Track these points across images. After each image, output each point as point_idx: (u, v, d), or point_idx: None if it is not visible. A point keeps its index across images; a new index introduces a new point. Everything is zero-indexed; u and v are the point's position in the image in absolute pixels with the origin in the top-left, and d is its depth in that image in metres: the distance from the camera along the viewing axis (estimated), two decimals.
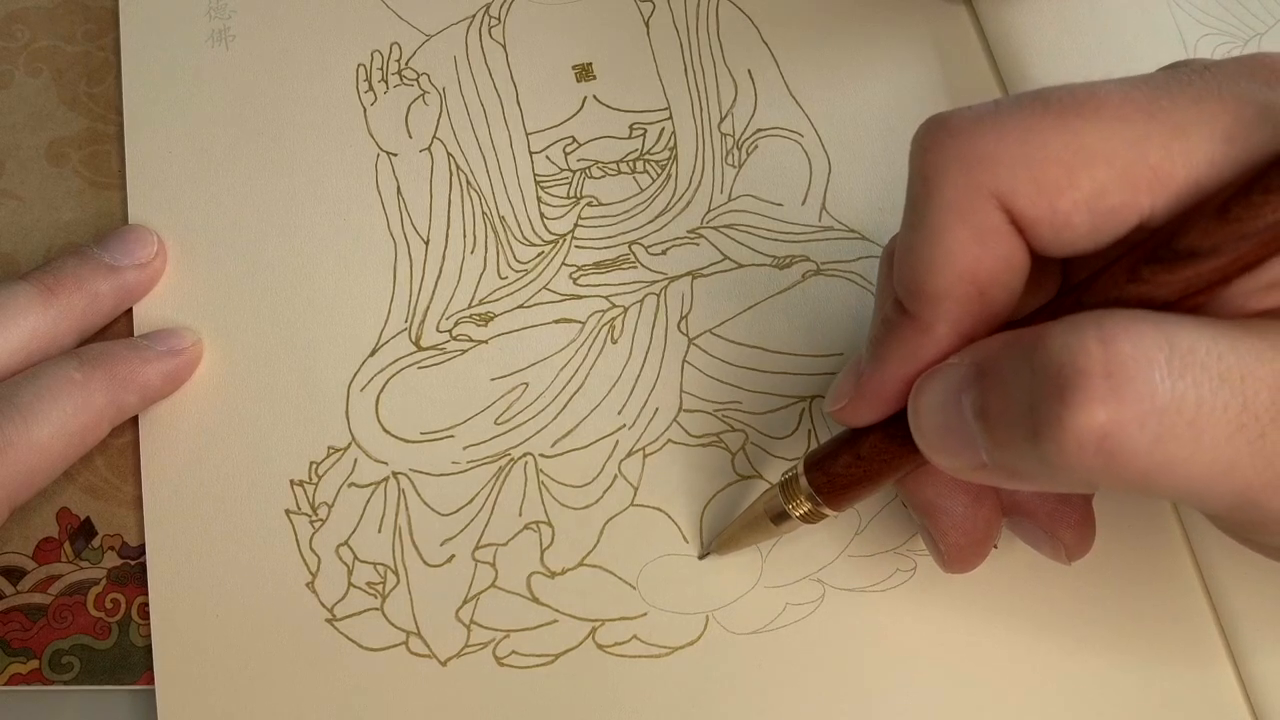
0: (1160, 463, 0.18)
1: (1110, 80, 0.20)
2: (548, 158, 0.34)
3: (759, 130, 0.34)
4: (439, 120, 0.34)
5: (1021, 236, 0.20)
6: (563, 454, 0.30)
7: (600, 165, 0.34)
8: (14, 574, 0.29)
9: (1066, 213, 0.20)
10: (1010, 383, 0.19)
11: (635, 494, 0.30)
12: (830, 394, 0.24)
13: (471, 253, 0.32)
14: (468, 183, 0.33)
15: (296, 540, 0.29)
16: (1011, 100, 0.20)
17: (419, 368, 0.31)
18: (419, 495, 0.29)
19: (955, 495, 0.25)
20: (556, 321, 0.32)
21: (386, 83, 0.34)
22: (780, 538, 0.28)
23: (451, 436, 0.30)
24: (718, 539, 0.29)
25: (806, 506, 0.25)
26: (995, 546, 0.27)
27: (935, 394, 0.21)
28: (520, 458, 0.30)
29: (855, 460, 0.24)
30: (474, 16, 0.36)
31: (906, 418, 0.22)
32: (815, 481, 0.25)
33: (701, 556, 0.29)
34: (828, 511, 0.25)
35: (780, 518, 0.26)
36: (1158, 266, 0.19)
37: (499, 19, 0.36)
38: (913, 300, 0.21)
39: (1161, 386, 0.18)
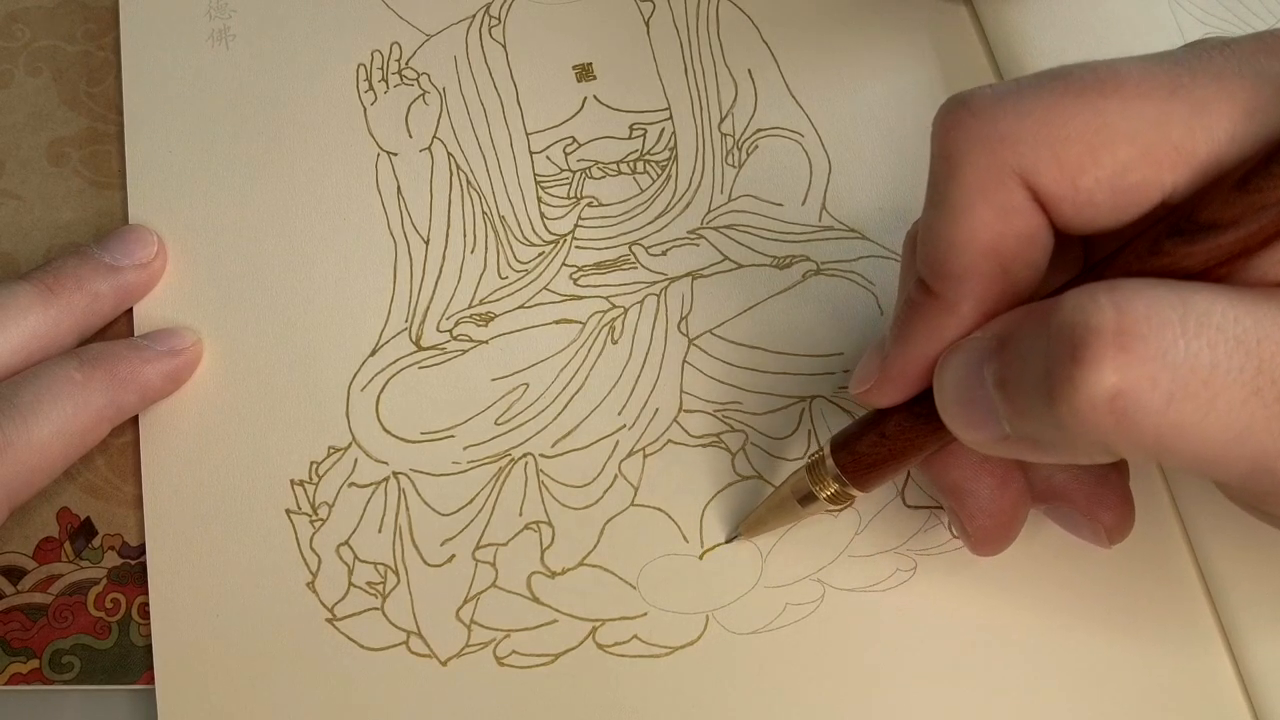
0: (1174, 424, 0.18)
1: (1130, 58, 0.20)
2: (548, 158, 0.34)
3: (759, 130, 0.34)
4: (439, 120, 0.34)
5: (1044, 214, 0.21)
6: (563, 454, 0.30)
7: (600, 165, 0.34)
8: (14, 574, 0.29)
9: (1089, 190, 0.20)
10: (1028, 350, 0.19)
11: (635, 494, 0.30)
12: (854, 376, 0.25)
13: (472, 253, 0.32)
14: (468, 182, 0.33)
15: (297, 540, 0.29)
16: (1032, 79, 0.21)
17: (419, 368, 0.31)
18: (419, 495, 0.30)
19: (981, 477, 0.25)
20: (557, 322, 0.32)
21: (387, 82, 0.34)
22: (807, 520, 0.28)
23: (452, 436, 0.30)
24: (744, 522, 0.29)
25: (833, 488, 0.26)
26: None
27: (958, 367, 0.21)
28: (520, 458, 0.30)
29: (880, 439, 0.24)
30: (474, 16, 0.36)
31: (930, 396, 0.22)
32: (841, 462, 0.25)
33: (728, 540, 0.29)
34: (854, 492, 0.25)
35: (807, 499, 0.26)
36: (1179, 240, 0.19)
37: (499, 19, 0.36)
38: (937, 279, 0.22)
39: (1175, 346, 0.17)
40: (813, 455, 0.26)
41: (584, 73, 0.35)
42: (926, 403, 0.23)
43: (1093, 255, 0.24)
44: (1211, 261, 0.19)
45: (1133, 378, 0.17)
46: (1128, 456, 0.19)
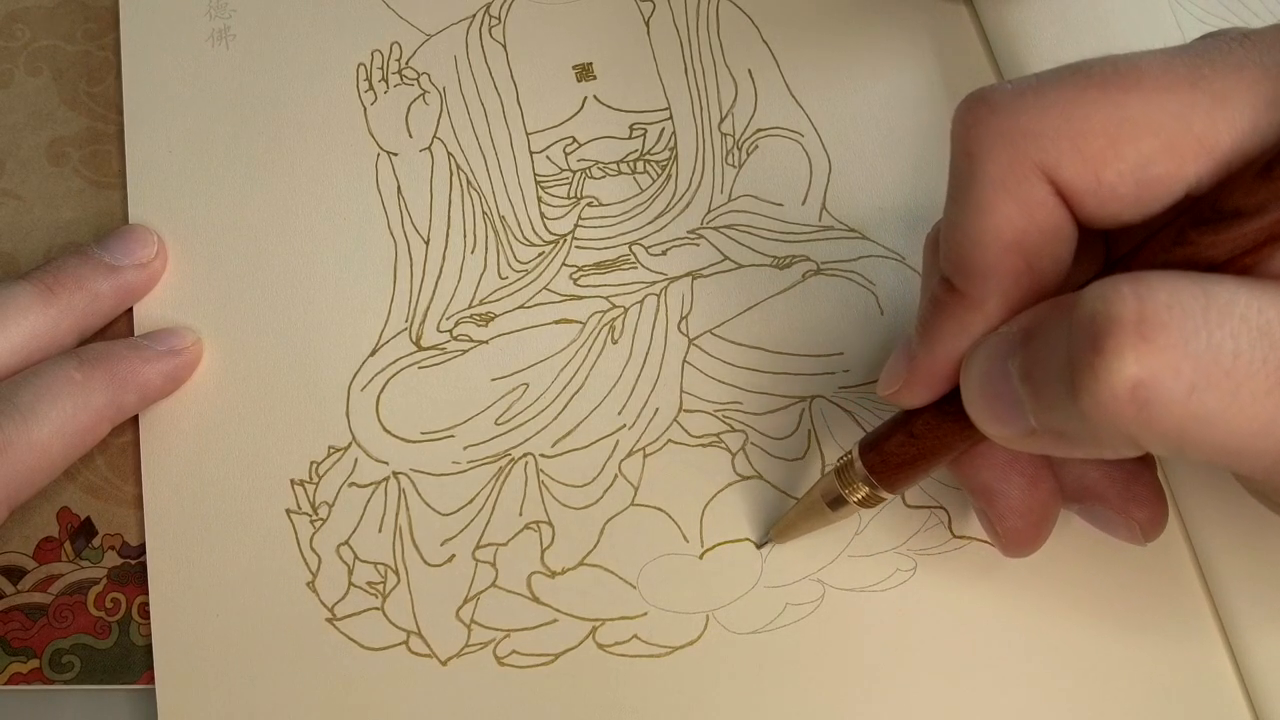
0: (1196, 414, 0.18)
1: (1150, 51, 0.20)
2: (548, 158, 0.34)
3: (759, 130, 0.34)
4: (439, 120, 0.34)
5: (1067, 208, 0.21)
6: (563, 454, 0.30)
7: (600, 165, 0.34)
8: (14, 573, 0.29)
9: (1112, 183, 0.20)
10: (1051, 342, 0.19)
11: (635, 494, 0.30)
12: (882, 379, 0.24)
13: (472, 253, 0.32)
14: (468, 182, 0.33)
15: (297, 540, 0.29)
16: (1052, 73, 0.21)
17: (419, 368, 0.31)
18: (419, 495, 0.30)
19: (1011, 477, 0.25)
20: (557, 322, 0.32)
21: (387, 82, 0.34)
22: (838, 523, 0.28)
23: (452, 436, 0.30)
24: (775, 528, 0.29)
25: (863, 491, 0.25)
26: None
27: (983, 361, 0.21)
28: (520, 458, 0.30)
29: (909, 439, 0.24)
30: (474, 16, 0.36)
31: (959, 395, 0.22)
32: (870, 463, 0.25)
33: (760, 545, 0.29)
34: (884, 495, 0.25)
35: (837, 503, 0.26)
36: (1204, 229, 0.19)
37: (499, 19, 0.36)
38: (962, 276, 0.22)
39: (1197, 335, 0.17)
40: (841, 459, 0.26)
41: (584, 73, 0.35)
42: (955, 401, 0.23)
43: (1115, 250, 0.24)
44: (1237, 250, 0.19)
45: (1154, 367, 0.17)
46: (1151, 449, 0.19)
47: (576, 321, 0.32)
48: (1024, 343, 0.20)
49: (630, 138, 0.34)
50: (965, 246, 0.21)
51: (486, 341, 0.31)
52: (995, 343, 0.21)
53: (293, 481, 0.30)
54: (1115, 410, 0.18)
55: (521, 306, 0.32)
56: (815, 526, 0.28)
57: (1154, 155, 0.19)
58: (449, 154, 0.34)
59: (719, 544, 0.29)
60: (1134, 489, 0.25)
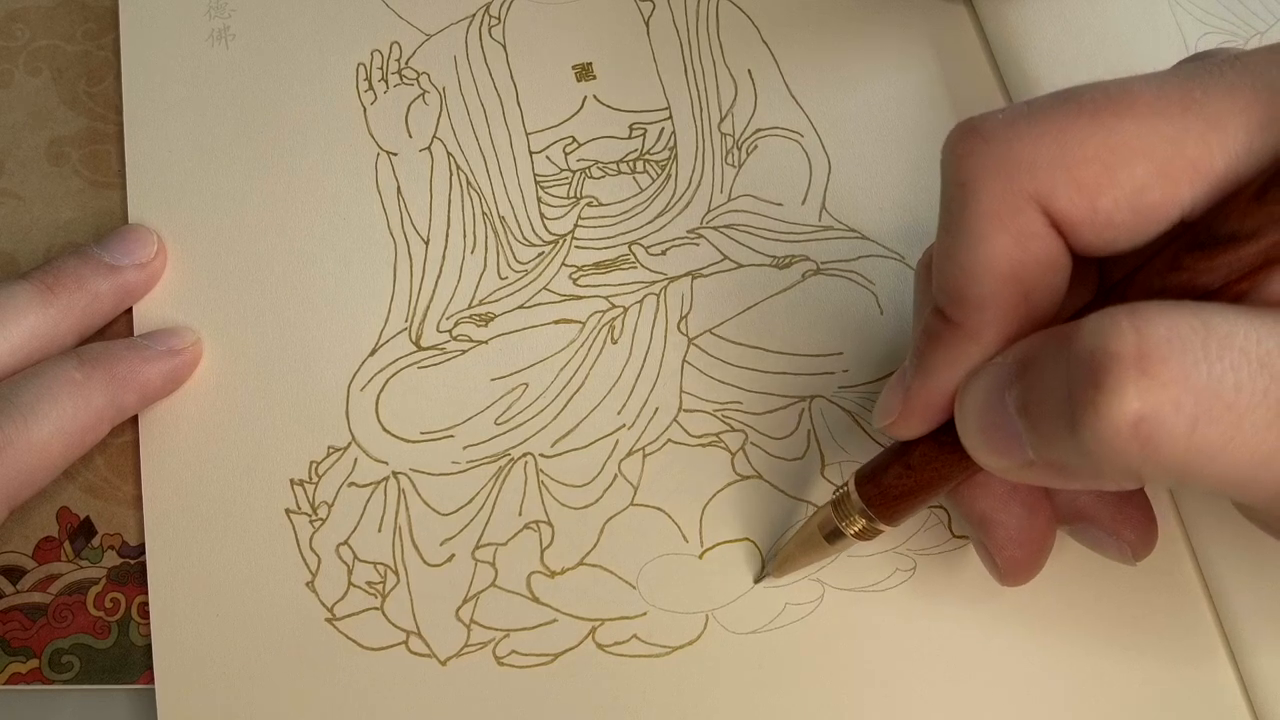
0: (1199, 448, 0.17)
1: (1140, 76, 0.20)
2: (548, 158, 0.34)
3: (759, 130, 0.34)
4: (439, 120, 0.34)
5: (1062, 238, 0.20)
6: (563, 454, 0.30)
7: (600, 165, 0.34)
8: (14, 573, 0.29)
9: (1108, 211, 0.20)
10: (1049, 375, 0.19)
11: (635, 494, 0.30)
12: (877, 409, 0.24)
13: (471, 253, 0.32)
14: (468, 182, 0.33)
15: (296, 540, 0.29)
16: (1044, 101, 0.20)
17: (419, 368, 0.31)
18: (419, 495, 0.30)
19: (1009, 507, 0.25)
20: (556, 322, 0.32)
21: (386, 82, 0.34)
22: (837, 556, 0.28)
23: (451, 436, 0.30)
24: (774, 561, 0.28)
25: (860, 523, 0.25)
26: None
27: (979, 393, 0.21)
28: (520, 457, 0.30)
29: (905, 471, 0.24)
30: (474, 16, 0.36)
31: (954, 425, 0.22)
32: (866, 495, 0.25)
33: (758, 580, 0.29)
34: (882, 527, 0.25)
35: (834, 536, 0.26)
36: (1199, 253, 0.19)
37: (499, 18, 0.36)
38: (956, 308, 0.21)
39: (1197, 369, 0.17)
40: (837, 491, 0.26)
41: (584, 72, 0.35)
42: (951, 431, 0.22)
43: (1108, 276, 0.23)
44: (1232, 275, 0.19)
45: (1155, 402, 0.17)
46: (1154, 481, 0.19)
47: (576, 321, 0.32)
48: (1020, 375, 0.20)
49: (630, 138, 0.34)
50: (959, 278, 0.21)
51: (486, 341, 0.31)
52: (991, 374, 0.21)
53: (292, 481, 0.30)
54: (1118, 445, 0.18)
55: (521, 306, 0.32)
56: (813, 560, 0.28)
57: (1148, 181, 0.19)
58: (449, 154, 0.34)
59: (718, 544, 0.29)
60: (1125, 510, 0.25)
